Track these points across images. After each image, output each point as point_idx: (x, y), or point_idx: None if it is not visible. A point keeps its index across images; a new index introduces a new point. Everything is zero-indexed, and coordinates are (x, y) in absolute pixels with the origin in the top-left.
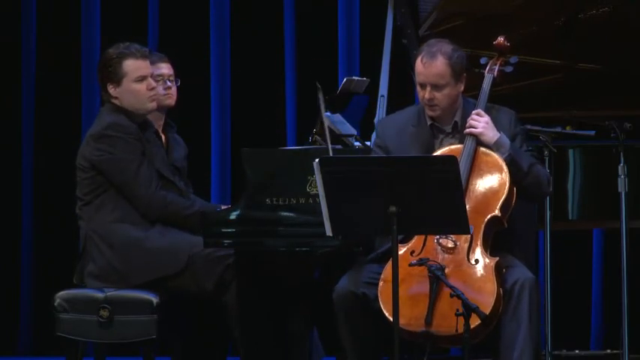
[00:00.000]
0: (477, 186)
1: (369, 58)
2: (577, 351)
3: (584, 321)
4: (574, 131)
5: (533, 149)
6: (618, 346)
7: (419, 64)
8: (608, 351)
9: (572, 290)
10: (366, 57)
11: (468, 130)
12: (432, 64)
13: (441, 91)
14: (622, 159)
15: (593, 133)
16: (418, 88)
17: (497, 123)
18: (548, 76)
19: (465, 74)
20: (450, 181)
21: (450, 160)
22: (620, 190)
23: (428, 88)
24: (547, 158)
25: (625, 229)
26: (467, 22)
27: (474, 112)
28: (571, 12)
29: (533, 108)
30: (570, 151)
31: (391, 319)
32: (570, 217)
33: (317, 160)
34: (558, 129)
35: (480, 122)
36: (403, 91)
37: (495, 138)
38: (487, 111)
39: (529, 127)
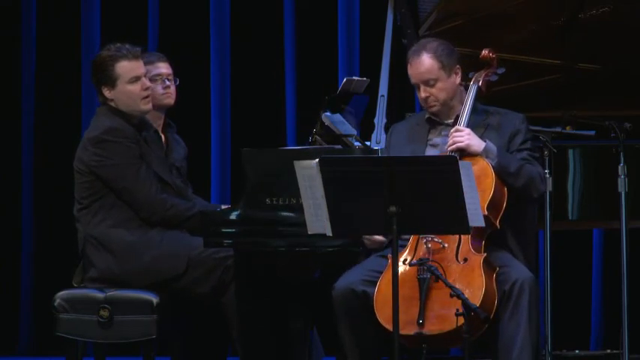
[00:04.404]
0: None
1: (369, 58)
2: (577, 351)
3: (584, 321)
4: (574, 131)
5: (535, 150)
6: (618, 346)
7: (408, 67)
8: (608, 351)
9: (572, 290)
10: (366, 57)
11: (454, 147)
12: (417, 62)
13: (433, 86)
14: (622, 159)
15: (593, 133)
16: (417, 91)
17: (501, 127)
18: (548, 76)
19: (457, 66)
20: (450, 181)
21: (450, 160)
22: (620, 190)
23: (422, 87)
24: (547, 158)
25: (625, 229)
26: (467, 22)
27: (452, 130)
28: (571, 12)
29: (533, 108)
30: (570, 151)
31: (385, 325)
32: (570, 217)
33: (317, 160)
34: (558, 129)
35: (463, 136)
36: (403, 91)
37: (482, 146)
38: (491, 116)
39: (529, 127)
